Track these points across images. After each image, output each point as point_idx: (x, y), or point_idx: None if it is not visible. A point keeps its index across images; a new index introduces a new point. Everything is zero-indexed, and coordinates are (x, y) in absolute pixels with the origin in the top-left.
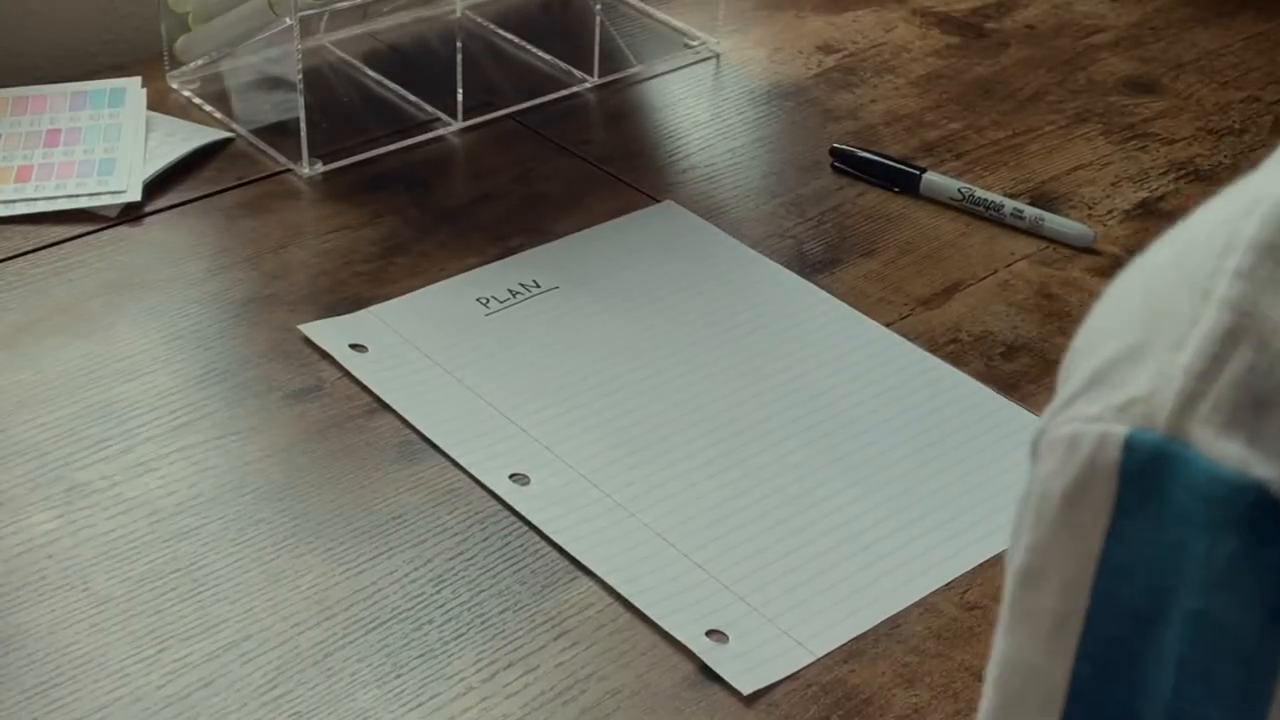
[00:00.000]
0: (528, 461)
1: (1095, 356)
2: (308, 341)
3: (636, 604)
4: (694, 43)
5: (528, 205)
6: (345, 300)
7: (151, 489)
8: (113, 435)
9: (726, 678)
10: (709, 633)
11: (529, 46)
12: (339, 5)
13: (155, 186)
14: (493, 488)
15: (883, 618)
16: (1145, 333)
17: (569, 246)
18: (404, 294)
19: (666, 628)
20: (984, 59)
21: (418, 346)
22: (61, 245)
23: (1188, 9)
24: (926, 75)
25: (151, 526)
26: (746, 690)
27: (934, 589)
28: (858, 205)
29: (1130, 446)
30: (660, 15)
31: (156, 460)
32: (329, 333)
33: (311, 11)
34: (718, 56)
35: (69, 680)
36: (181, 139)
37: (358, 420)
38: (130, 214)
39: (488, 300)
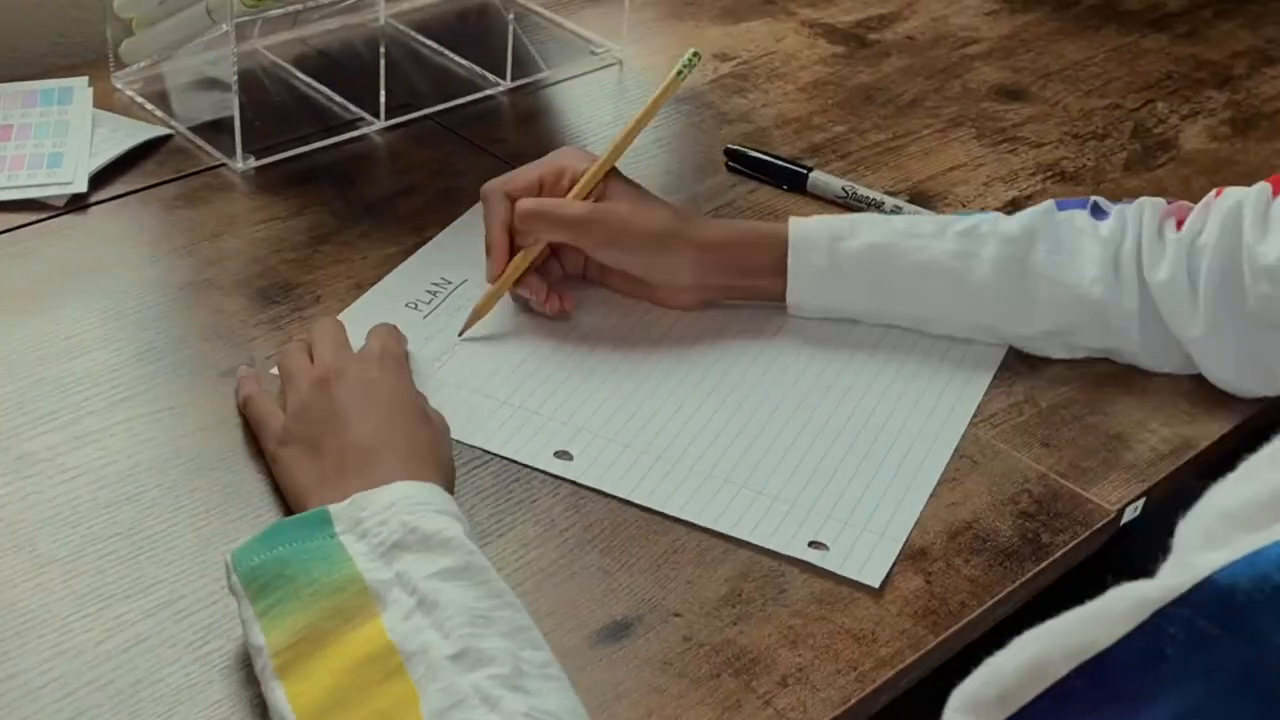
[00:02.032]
0: (559, 439)
1: None
2: (240, 323)
3: (735, 534)
4: (599, 50)
5: (444, 200)
6: (275, 285)
7: (94, 459)
8: (58, 409)
9: (854, 577)
10: (810, 544)
11: (447, 52)
12: (272, 12)
13: (100, 178)
14: (545, 467)
15: (927, 495)
16: None
17: (448, 242)
18: (330, 281)
19: (776, 549)
20: (867, 67)
21: None
22: (12, 232)
23: (1055, 23)
24: (814, 82)
25: (94, 493)
26: (876, 584)
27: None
28: (750, 201)
29: None
30: (568, 24)
31: (99, 432)
32: None
33: (246, 18)
34: (621, 63)
35: (15, 635)
36: (125, 135)
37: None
38: (77, 204)
39: (415, 304)
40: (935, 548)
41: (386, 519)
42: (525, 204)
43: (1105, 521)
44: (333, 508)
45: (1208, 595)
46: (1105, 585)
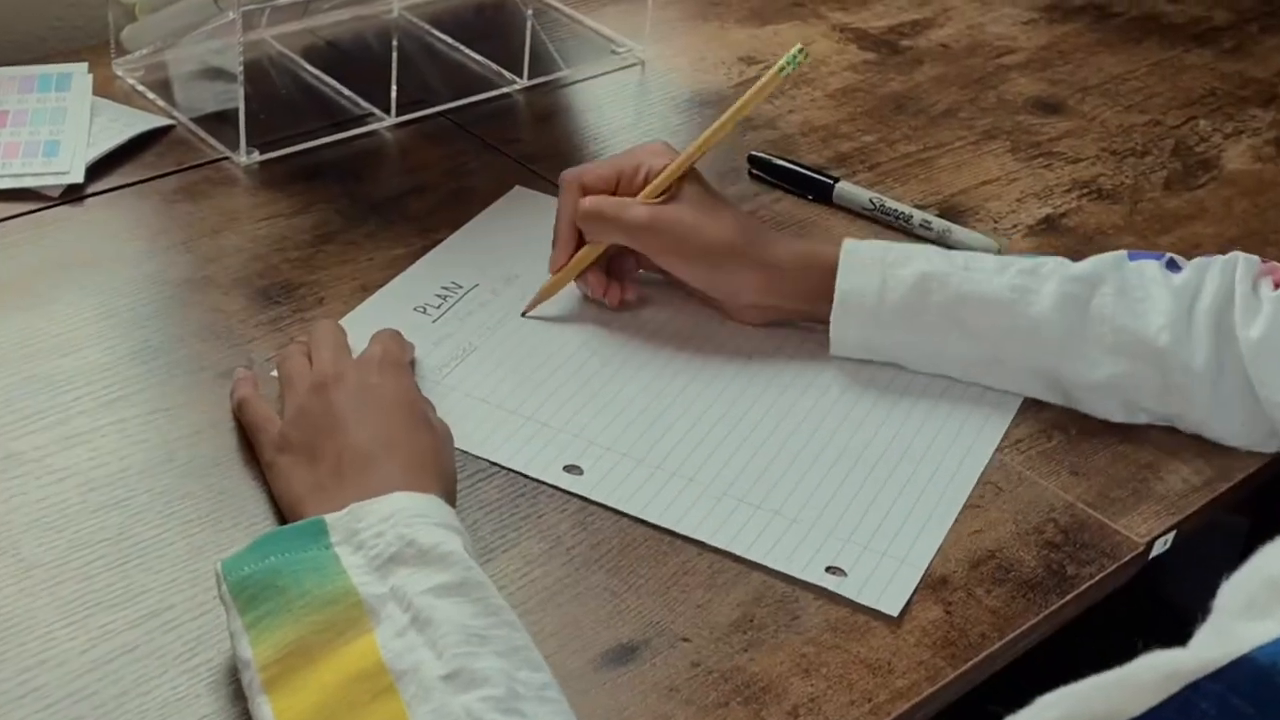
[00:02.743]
0: (569, 452)
1: None
2: (239, 322)
3: (749, 556)
4: (620, 49)
5: (454, 200)
6: (277, 285)
7: (83, 460)
8: (47, 408)
9: (872, 605)
10: (828, 569)
11: (462, 47)
12: (281, 1)
13: (97, 169)
14: (553, 481)
15: (950, 521)
16: None
17: (461, 245)
18: (334, 282)
19: (791, 573)
20: (899, 75)
21: None
22: (4, 223)
23: (1095, 34)
24: (843, 89)
25: (82, 496)
26: (895, 612)
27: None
28: (773, 211)
29: None
30: (589, 22)
31: (89, 433)
32: None
33: (254, 6)
34: (643, 63)
35: None
36: (124, 124)
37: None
38: (72, 194)
39: (424, 308)
40: (956, 577)
41: (383, 531)
42: (588, 202)
43: (1133, 555)
44: (329, 517)
45: (1245, 673)
46: (1131, 621)
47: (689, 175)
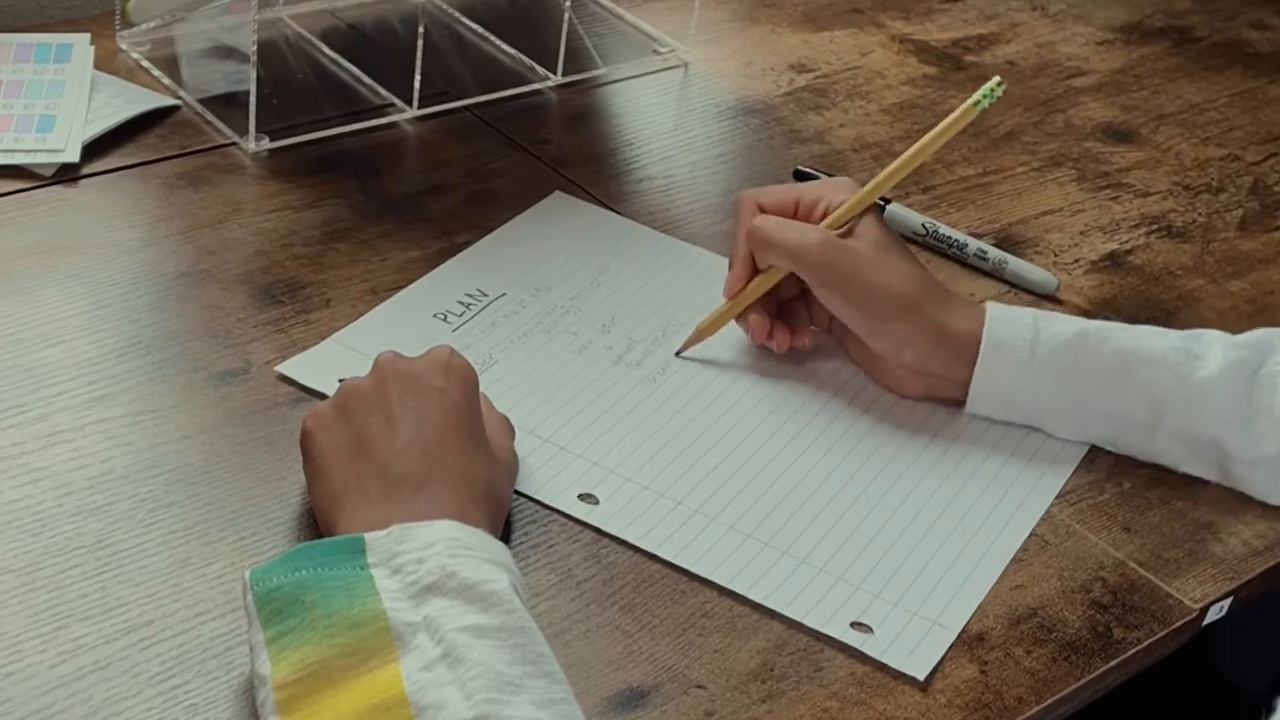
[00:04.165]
0: (586, 480)
1: None
2: (238, 321)
3: (770, 605)
4: (663, 49)
5: (477, 202)
6: (281, 283)
7: (63, 460)
8: (27, 402)
9: (897, 667)
10: (853, 625)
11: (493, 38)
12: None
13: (94, 148)
14: (567, 510)
15: (991, 581)
16: None
17: (490, 249)
18: (342, 283)
19: (813, 626)
20: (960, 92)
21: None
22: None
23: (1174, 59)
24: (899, 104)
25: (59, 499)
26: (921, 676)
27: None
28: None
29: None
30: (631, 18)
31: (70, 431)
32: (310, 370)
33: None
34: (686, 65)
35: None
36: (126, 101)
37: (282, 408)
38: (66, 174)
39: (445, 315)
40: (994, 634)
41: (425, 558)
42: (758, 221)
43: (1186, 620)
44: (369, 536)
45: None
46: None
47: (870, 214)
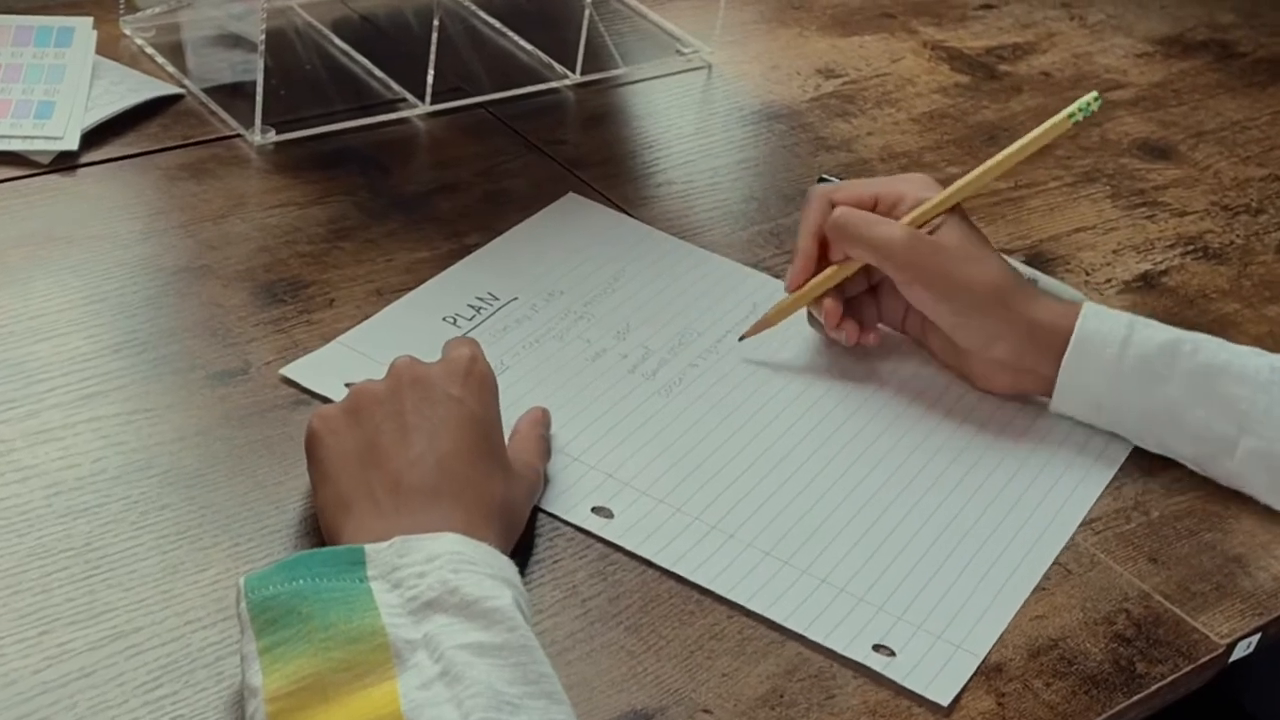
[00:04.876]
0: (600, 493)
1: None
2: (238, 320)
3: (789, 625)
4: (686, 50)
5: (489, 202)
6: (283, 281)
7: (52, 459)
8: (17, 397)
9: (920, 691)
10: (875, 647)
11: (510, 34)
12: None
13: (94, 136)
14: (579, 523)
15: (1017, 606)
16: None
17: (501, 251)
18: (347, 283)
19: (834, 648)
20: (993, 102)
21: None
22: None
23: (1216, 74)
24: (930, 113)
25: (47, 499)
26: (945, 702)
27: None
28: None
29: None
30: (654, 17)
31: (61, 429)
32: (315, 373)
33: None
34: (710, 67)
35: None
36: (128, 89)
37: (281, 411)
38: (64, 163)
39: (454, 319)
40: (1013, 665)
41: (426, 572)
42: (840, 212)
43: (1212, 656)
44: (369, 547)
45: None
46: None
47: (954, 212)
